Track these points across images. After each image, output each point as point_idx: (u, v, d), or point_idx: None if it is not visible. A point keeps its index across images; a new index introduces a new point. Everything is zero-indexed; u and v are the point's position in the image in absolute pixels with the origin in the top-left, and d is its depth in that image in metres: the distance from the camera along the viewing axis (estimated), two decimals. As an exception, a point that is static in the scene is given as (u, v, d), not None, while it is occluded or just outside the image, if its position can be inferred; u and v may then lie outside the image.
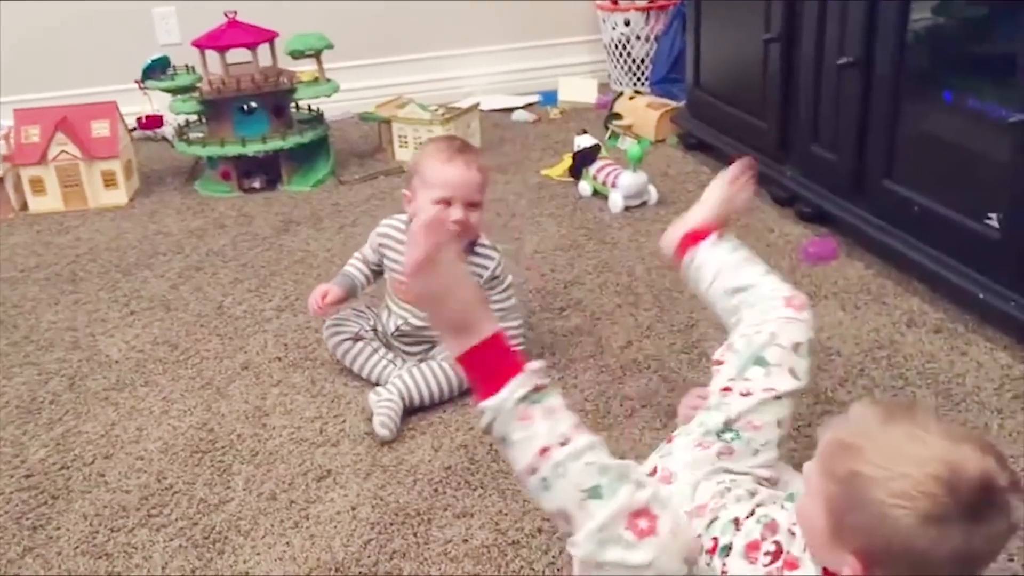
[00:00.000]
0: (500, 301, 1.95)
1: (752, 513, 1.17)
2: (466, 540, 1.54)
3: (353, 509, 1.63)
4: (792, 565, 1.08)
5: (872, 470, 0.96)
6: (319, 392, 1.98)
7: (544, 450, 1.04)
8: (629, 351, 2.06)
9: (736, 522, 1.16)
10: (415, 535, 1.56)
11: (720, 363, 1.39)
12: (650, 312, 2.22)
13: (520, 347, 1.96)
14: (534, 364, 1.07)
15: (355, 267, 2.05)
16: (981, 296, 1.97)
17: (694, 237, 1.59)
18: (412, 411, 1.86)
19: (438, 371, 1.88)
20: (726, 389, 1.33)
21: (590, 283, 2.38)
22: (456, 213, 1.83)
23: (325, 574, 1.48)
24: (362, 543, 1.54)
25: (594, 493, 1.02)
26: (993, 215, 1.96)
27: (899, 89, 2.21)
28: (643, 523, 1.02)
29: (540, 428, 1.04)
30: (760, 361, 1.33)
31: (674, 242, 1.62)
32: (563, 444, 1.04)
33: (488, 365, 1.06)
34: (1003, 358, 1.92)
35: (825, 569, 1.05)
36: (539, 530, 1.55)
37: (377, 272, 2.05)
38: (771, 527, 1.13)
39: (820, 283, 2.29)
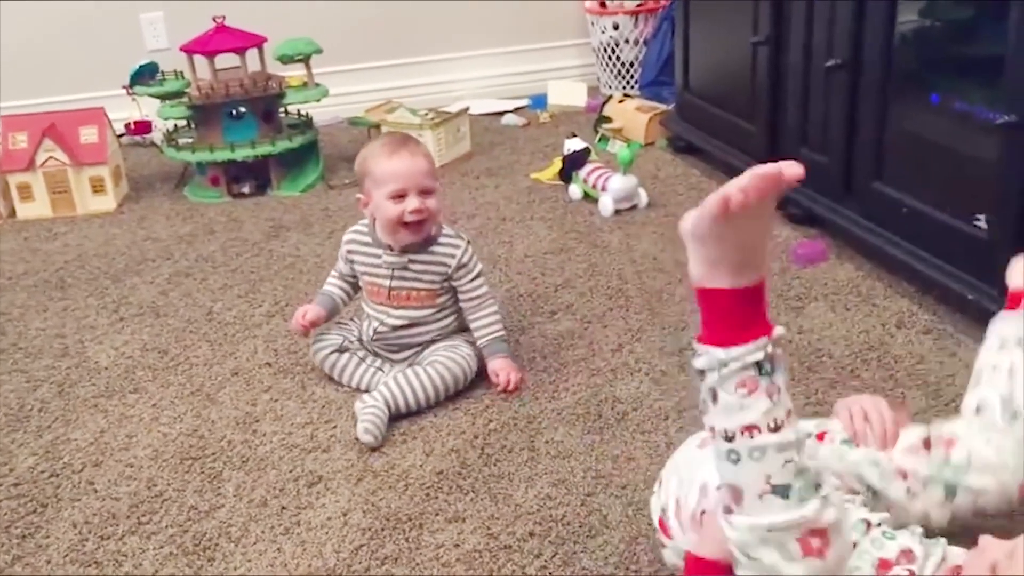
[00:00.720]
0: (471, 290, 1.96)
1: (871, 525, 1.16)
2: (458, 545, 1.53)
3: (344, 515, 1.62)
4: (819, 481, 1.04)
5: None
6: (309, 398, 1.98)
7: (750, 428, 0.96)
8: (620, 354, 2.06)
9: (867, 525, 1.16)
10: (407, 540, 1.55)
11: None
12: (640, 315, 2.22)
13: (501, 335, 1.97)
14: (780, 330, 0.97)
15: (333, 284, 2.07)
16: (970, 297, 1.98)
17: None
18: (400, 416, 1.86)
19: (424, 376, 1.88)
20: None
21: (581, 286, 2.38)
22: (413, 203, 1.86)
23: (316, 580, 1.48)
24: (353, 549, 1.54)
25: (781, 491, 0.97)
26: (982, 216, 1.97)
27: (887, 91, 2.22)
28: (815, 543, 0.98)
29: (758, 404, 0.96)
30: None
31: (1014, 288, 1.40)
32: (772, 430, 0.96)
33: (738, 312, 0.95)
34: (992, 359, 1.93)
35: None
36: (531, 534, 1.54)
37: (354, 284, 2.06)
38: (907, 555, 1.12)
39: (810, 285, 2.29)
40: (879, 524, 1.18)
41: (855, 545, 1.13)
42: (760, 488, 0.97)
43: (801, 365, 1.96)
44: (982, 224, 1.96)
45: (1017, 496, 1.23)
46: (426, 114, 3.42)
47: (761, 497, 0.97)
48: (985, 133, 1.91)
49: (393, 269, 1.94)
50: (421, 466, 1.73)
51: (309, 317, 2.00)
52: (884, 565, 1.12)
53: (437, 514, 1.61)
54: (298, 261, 2.66)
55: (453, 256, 1.95)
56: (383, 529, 1.58)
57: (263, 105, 3.16)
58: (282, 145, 3.16)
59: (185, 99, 3.13)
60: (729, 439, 0.97)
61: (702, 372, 0.99)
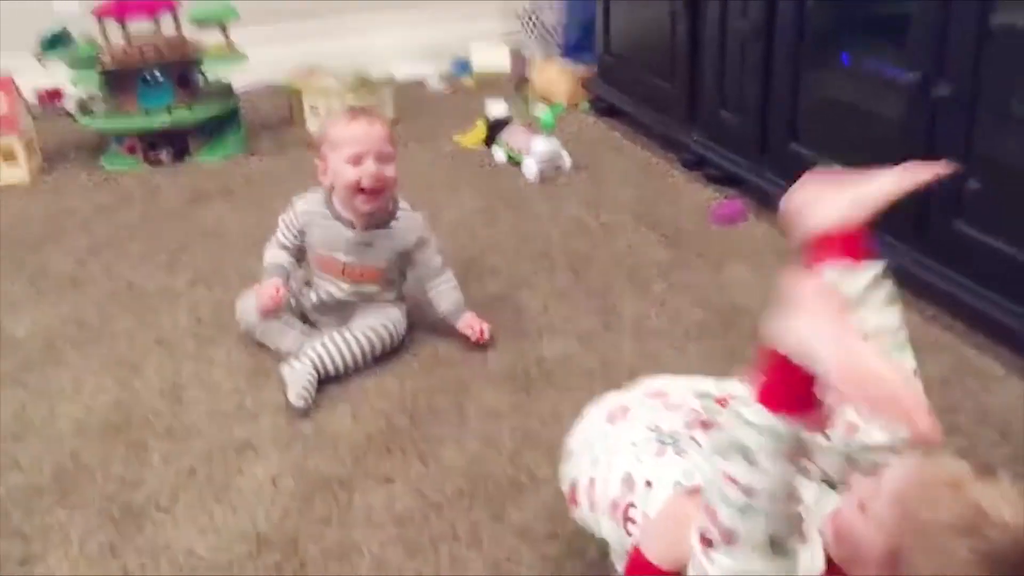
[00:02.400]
0: (429, 260, 1.99)
1: None
2: (388, 505, 1.56)
3: (274, 480, 1.63)
4: (803, 537, 1.12)
5: (955, 519, 0.99)
6: (235, 365, 1.97)
7: (774, 495, 0.99)
8: (546, 315, 2.09)
9: None
10: (337, 502, 1.57)
11: None
12: (565, 276, 2.25)
13: (460, 302, 2.00)
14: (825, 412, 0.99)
15: (279, 256, 1.97)
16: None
17: (845, 244, 1.31)
18: (328, 380, 1.86)
19: (351, 340, 1.89)
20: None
21: (507, 249, 2.41)
22: (371, 167, 1.85)
23: (248, 545, 1.48)
24: (284, 512, 1.55)
25: (777, 547, 1.00)
26: (890, 174, 2.04)
27: (799, 54, 2.28)
28: None
29: (786, 474, 0.98)
30: None
31: (817, 232, 1.33)
32: (789, 498, 1.01)
33: (804, 387, 0.95)
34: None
35: (831, 566, 1.10)
36: (461, 492, 1.57)
37: (299, 255, 2.00)
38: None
39: (729, 244, 2.36)
40: None
41: None
42: (759, 540, 0.99)
43: (720, 321, 2.02)
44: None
45: None
46: (348, 79, 3.38)
47: (755, 547, 0.99)
48: (893, 91, 1.98)
49: (351, 245, 1.93)
50: (350, 429, 1.75)
51: (283, 292, 1.92)
52: None
53: (367, 476, 1.63)
54: (221, 229, 2.62)
55: (413, 231, 1.96)
56: (314, 492, 1.59)
57: (179, 71, 3.09)
58: (200, 111, 3.10)
59: (98, 65, 3.04)
60: (749, 495, 0.98)
61: (750, 431, 0.97)
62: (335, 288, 1.96)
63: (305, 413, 1.79)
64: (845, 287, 1.31)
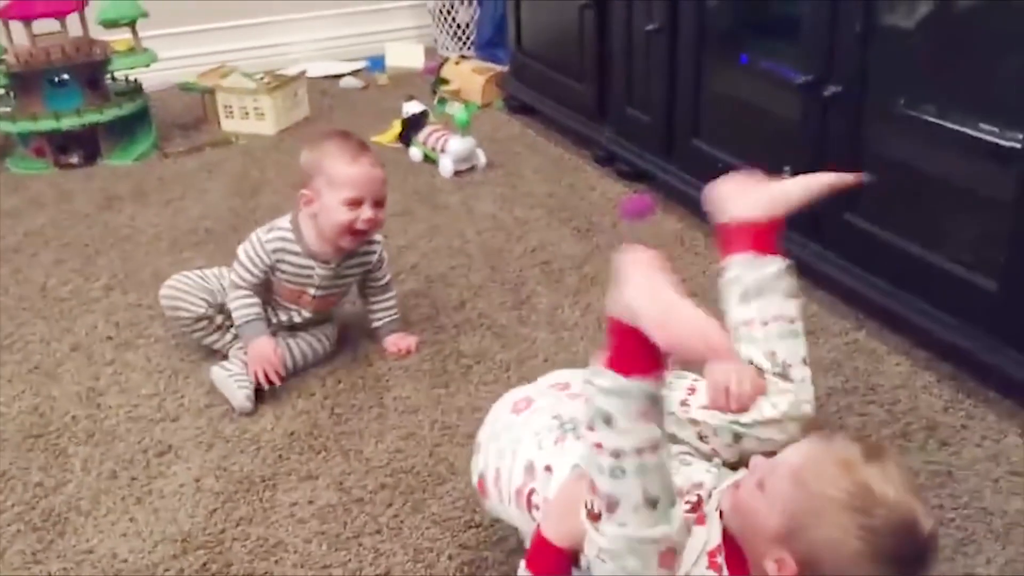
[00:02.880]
0: (380, 279, 2.00)
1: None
2: (311, 501, 1.59)
3: (197, 481, 1.65)
4: (702, 521, 1.21)
5: (844, 496, 1.08)
6: (155, 369, 1.97)
7: (640, 450, 1.05)
8: (463, 311, 2.15)
9: None
10: (261, 501, 1.60)
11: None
12: (482, 272, 2.31)
13: (397, 316, 2.03)
14: (671, 369, 1.07)
15: (254, 305, 1.87)
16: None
17: (756, 237, 1.43)
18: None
19: (295, 349, 1.92)
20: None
21: (423, 247, 2.45)
22: (368, 212, 1.82)
23: (172, 546, 1.51)
24: (208, 513, 1.57)
25: (652, 503, 1.07)
26: (787, 169, 2.14)
27: (702, 53, 2.37)
28: (670, 557, 1.11)
29: (648, 430, 1.06)
30: None
31: (732, 222, 1.47)
32: (655, 451, 1.06)
33: (645, 350, 1.03)
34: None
35: (726, 536, 1.19)
36: (382, 486, 1.62)
37: (263, 287, 1.91)
38: (697, 485, 1.26)
39: (639, 237, 2.44)
40: (677, 454, 1.31)
41: None
42: (636, 500, 1.07)
43: (631, 313, 2.10)
44: (788, 176, 2.14)
45: (800, 437, 1.39)
46: (262, 78, 3.38)
47: (635, 509, 1.07)
48: (788, 91, 2.08)
49: (323, 280, 1.91)
50: (272, 429, 1.77)
51: (280, 352, 1.86)
52: (676, 493, 1.25)
53: (290, 474, 1.66)
54: (135, 233, 2.61)
55: (374, 253, 1.96)
56: (237, 492, 1.62)
57: (88, 72, 3.05)
58: (111, 113, 3.07)
59: (1, 66, 2.98)
60: (617, 456, 1.06)
61: (601, 392, 1.05)
62: (295, 315, 1.95)
63: (224, 415, 1.80)
64: (747, 276, 1.42)
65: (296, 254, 1.87)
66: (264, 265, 1.87)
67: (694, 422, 1.37)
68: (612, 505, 1.08)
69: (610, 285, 1.06)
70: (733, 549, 1.19)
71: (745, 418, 1.34)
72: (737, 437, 1.35)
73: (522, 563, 1.23)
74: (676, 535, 1.11)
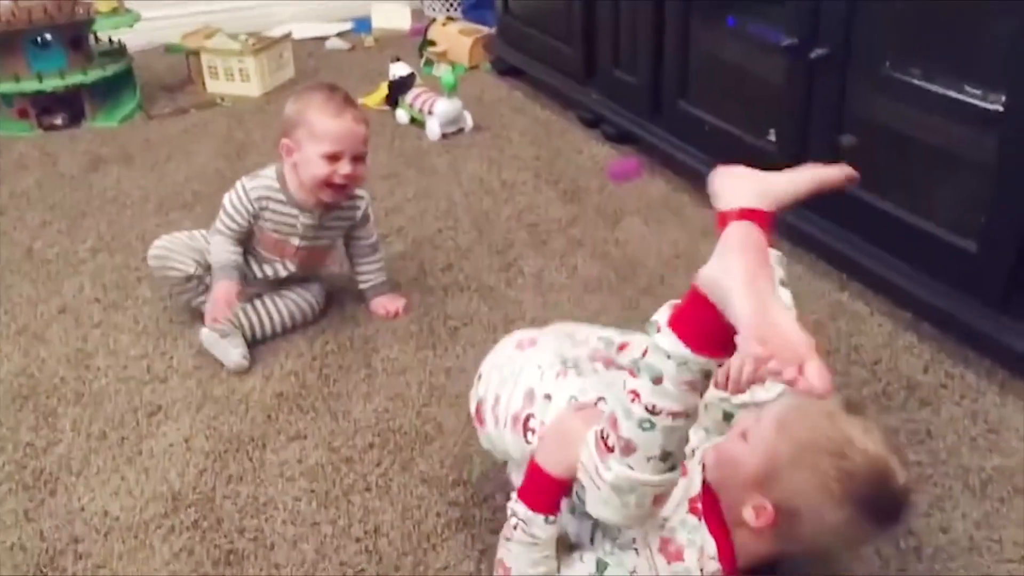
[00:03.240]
0: (366, 237, 2.00)
1: None
2: (300, 460, 1.61)
3: (187, 441, 1.66)
4: (684, 472, 1.23)
5: (825, 442, 1.13)
6: (143, 331, 1.98)
7: (676, 414, 1.06)
8: (450, 273, 2.16)
9: None
10: (251, 460, 1.62)
11: None
12: (469, 235, 2.32)
13: (385, 278, 2.03)
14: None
15: (232, 253, 1.88)
16: (764, 206, 2.17)
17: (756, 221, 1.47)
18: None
19: (278, 309, 1.93)
20: None
21: (411, 210, 2.45)
22: (346, 167, 1.81)
23: (163, 503, 1.52)
24: (198, 472, 1.59)
25: (665, 457, 1.09)
26: (772, 131, 2.16)
27: (689, 15, 2.37)
28: (662, 498, 1.15)
29: (691, 399, 1.05)
30: None
31: (735, 207, 1.50)
32: (687, 416, 1.07)
33: (720, 330, 0.99)
34: (784, 261, 2.14)
35: (706, 486, 1.23)
36: (371, 445, 1.64)
37: (246, 236, 1.91)
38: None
39: (625, 200, 2.45)
40: None
41: None
42: (653, 452, 1.09)
43: (617, 275, 2.12)
44: (772, 139, 2.16)
45: None
46: (247, 40, 3.36)
47: (649, 459, 1.10)
48: (772, 54, 2.08)
49: (307, 229, 1.91)
50: (261, 389, 1.79)
51: (237, 301, 1.86)
52: None
53: (279, 433, 1.68)
54: (121, 195, 2.60)
55: (358, 208, 1.96)
56: (226, 451, 1.64)
57: (71, 32, 3.02)
58: (94, 74, 3.04)
59: (-17, 27, 2.95)
60: (653, 412, 1.06)
61: (659, 354, 1.03)
62: (280, 267, 1.95)
63: (213, 376, 1.81)
64: None
65: (280, 202, 1.87)
66: (248, 212, 1.86)
67: None
68: (629, 449, 1.10)
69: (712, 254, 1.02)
70: (711, 501, 1.23)
71: (736, 399, 1.36)
72: (727, 416, 1.38)
73: (513, 495, 1.26)
74: (675, 480, 1.14)
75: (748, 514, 1.17)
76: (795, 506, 1.15)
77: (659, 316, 1.05)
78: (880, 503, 1.14)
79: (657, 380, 1.05)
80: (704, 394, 1.07)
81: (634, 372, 1.07)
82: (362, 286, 2.03)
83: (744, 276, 0.98)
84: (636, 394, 1.07)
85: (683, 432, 1.09)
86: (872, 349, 1.83)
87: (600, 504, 1.14)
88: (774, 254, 1.44)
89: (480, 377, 1.46)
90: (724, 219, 1.47)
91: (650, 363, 1.05)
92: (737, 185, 1.46)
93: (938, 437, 1.60)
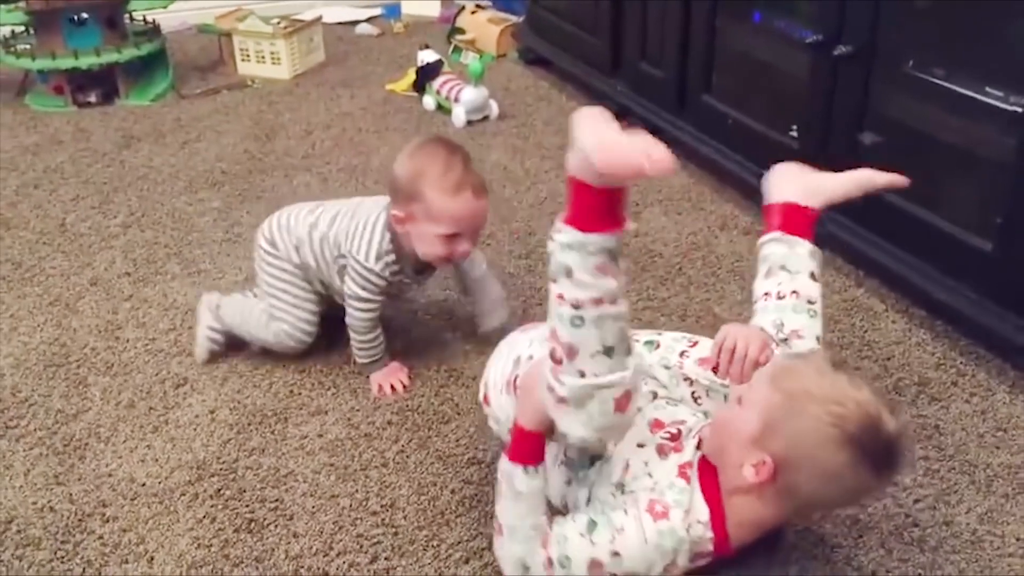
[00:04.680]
0: (490, 293, 1.90)
1: (656, 395, 1.41)
2: (321, 435, 1.66)
3: (211, 412, 1.71)
4: (678, 450, 1.32)
5: (818, 391, 1.19)
6: (171, 305, 2.03)
7: (598, 300, 1.12)
8: (471, 258, 2.19)
9: (654, 395, 1.42)
10: (272, 433, 1.66)
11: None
12: (491, 222, 2.33)
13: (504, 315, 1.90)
14: (632, 225, 1.13)
15: (379, 342, 1.77)
16: (784, 201, 2.19)
17: (786, 218, 1.52)
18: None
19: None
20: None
21: (434, 195, 2.49)
22: (465, 246, 1.67)
23: (187, 472, 1.58)
24: (222, 443, 1.64)
25: (608, 352, 1.15)
26: (794, 127, 2.18)
27: (715, 10, 2.38)
28: (625, 401, 1.19)
29: (607, 283, 1.11)
30: None
31: (779, 201, 1.53)
32: (613, 303, 1.13)
33: (604, 206, 1.09)
34: (801, 256, 2.16)
35: (702, 461, 1.28)
36: (389, 423, 1.68)
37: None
38: (679, 422, 1.36)
39: (646, 191, 2.48)
40: (666, 398, 1.41)
41: (639, 410, 1.34)
42: (594, 348, 1.15)
43: (636, 265, 2.15)
44: (794, 134, 2.17)
45: None
46: (278, 23, 3.40)
47: (593, 356, 1.15)
48: (797, 51, 2.10)
49: (417, 287, 1.87)
50: (285, 365, 1.83)
51: (403, 371, 1.80)
52: (657, 424, 1.36)
53: (301, 408, 1.72)
54: (152, 172, 2.65)
55: (480, 266, 1.90)
56: (249, 424, 1.68)
57: (107, 11, 3.07)
58: (128, 53, 3.10)
59: (22, 3, 3.01)
60: (576, 307, 1.13)
61: (561, 246, 1.12)
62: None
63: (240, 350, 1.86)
64: (775, 253, 1.48)
65: (396, 274, 1.73)
66: (383, 288, 1.73)
67: (688, 380, 1.43)
68: (572, 352, 1.15)
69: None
70: (707, 472, 1.28)
71: (739, 386, 1.39)
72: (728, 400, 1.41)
73: (503, 456, 1.31)
74: (631, 379, 1.18)
75: (748, 471, 1.21)
76: (793, 455, 1.19)
77: (555, 224, 1.13)
78: (875, 447, 1.18)
79: (569, 274, 1.12)
80: (617, 278, 1.13)
81: (553, 278, 1.15)
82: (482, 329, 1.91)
83: (583, 130, 1.09)
84: (560, 296, 1.14)
85: (615, 322, 1.14)
86: (885, 345, 1.85)
87: (569, 423, 1.19)
88: (809, 247, 1.49)
89: (488, 366, 1.53)
90: (768, 212, 1.53)
91: (558, 260, 1.13)
92: (787, 181, 1.54)
93: (946, 433, 1.63)
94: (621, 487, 1.30)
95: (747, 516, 1.26)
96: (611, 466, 1.33)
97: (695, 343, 1.47)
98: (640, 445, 1.33)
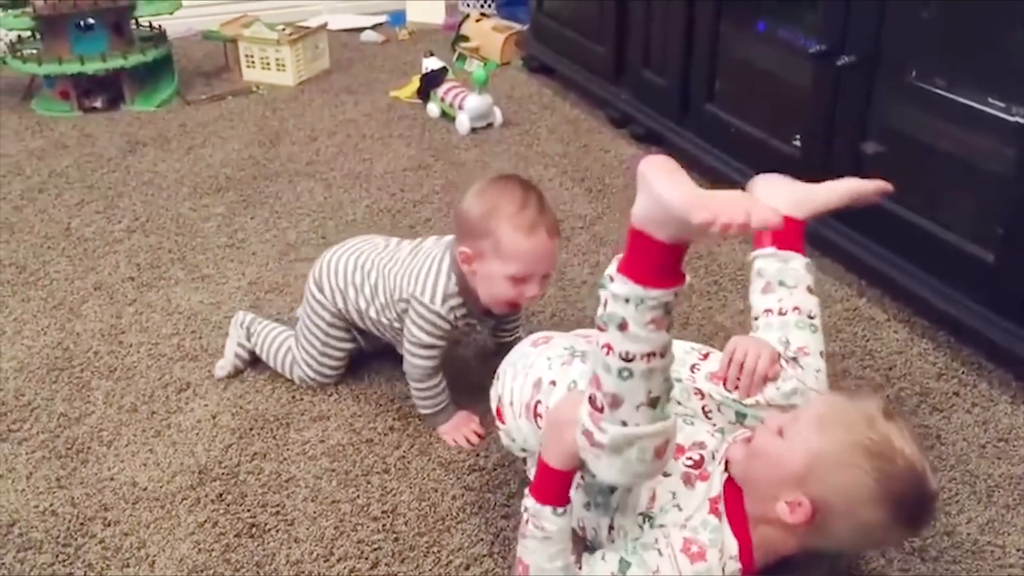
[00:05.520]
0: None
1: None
2: (323, 440, 1.66)
3: (214, 417, 1.72)
4: (704, 477, 1.30)
5: (870, 445, 1.17)
6: (175, 310, 2.04)
7: (650, 355, 1.08)
8: (474, 265, 2.19)
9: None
10: (274, 438, 1.67)
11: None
12: (494, 228, 2.35)
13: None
14: (688, 279, 1.09)
15: (442, 388, 1.69)
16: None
17: (789, 229, 1.50)
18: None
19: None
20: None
21: (438, 202, 2.50)
22: (535, 290, 1.57)
23: (189, 476, 1.58)
24: (224, 447, 1.64)
25: (654, 403, 1.12)
26: (797, 137, 2.18)
27: (719, 19, 2.39)
28: (664, 448, 1.15)
29: (660, 337, 1.08)
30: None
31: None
32: (662, 356, 1.09)
33: (667, 261, 1.05)
34: (804, 265, 2.16)
35: (728, 484, 1.27)
36: (391, 428, 1.68)
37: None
38: (699, 445, 1.33)
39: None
40: (681, 414, 1.38)
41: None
42: (639, 400, 1.11)
43: (638, 273, 2.14)
44: (797, 143, 2.18)
45: None
46: (283, 29, 3.41)
47: (637, 408, 1.12)
48: (801, 60, 2.11)
49: (480, 329, 1.81)
50: (287, 371, 1.84)
51: (475, 420, 1.71)
52: (678, 450, 1.33)
53: (303, 414, 1.73)
54: (156, 178, 2.66)
55: (520, 322, 1.86)
56: (252, 429, 1.69)
57: (113, 17, 3.09)
58: (134, 58, 3.11)
59: (29, 9, 3.02)
60: (627, 360, 1.09)
61: (616, 300, 1.07)
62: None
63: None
64: (769, 269, 1.48)
65: (464, 316, 1.65)
66: (448, 332, 1.65)
67: (700, 394, 1.42)
68: (616, 403, 1.12)
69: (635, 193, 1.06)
70: (732, 497, 1.26)
71: (747, 400, 1.39)
72: (741, 416, 1.41)
73: (527, 491, 1.29)
74: (673, 427, 1.16)
75: (782, 509, 1.20)
76: (832, 503, 1.18)
77: (609, 270, 1.08)
78: (914, 505, 1.18)
79: (623, 327, 1.07)
80: (669, 327, 1.08)
81: (602, 327, 1.10)
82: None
83: (662, 181, 1.02)
84: (608, 347, 1.10)
85: (663, 374, 1.11)
86: (887, 355, 1.85)
87: (605, 468, 1.16)
88: (803, 261, 1.49)
89: (498, 377, 1.51)
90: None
91: (612, 312, 1.08)
92: (774, 191, 1.53)
93: (948, 443, 1.63)
94: (649, 519, 1.28)
95: (771, 546, 1.25)
96: (635, 495, 1.30)
97: (706, 355, 1.47)
98: (666, 474, 1.30)
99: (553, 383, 1.37)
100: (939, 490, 1.20)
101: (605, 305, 1.09)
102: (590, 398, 1.15)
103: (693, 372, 1.44)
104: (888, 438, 1.18)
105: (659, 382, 1.11)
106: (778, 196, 1.53)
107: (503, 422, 1.47)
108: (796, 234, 1.51)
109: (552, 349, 1.44)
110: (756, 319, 1.49)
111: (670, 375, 1.13)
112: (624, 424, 1.12)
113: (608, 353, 1.10)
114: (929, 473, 1.19)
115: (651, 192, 1.02)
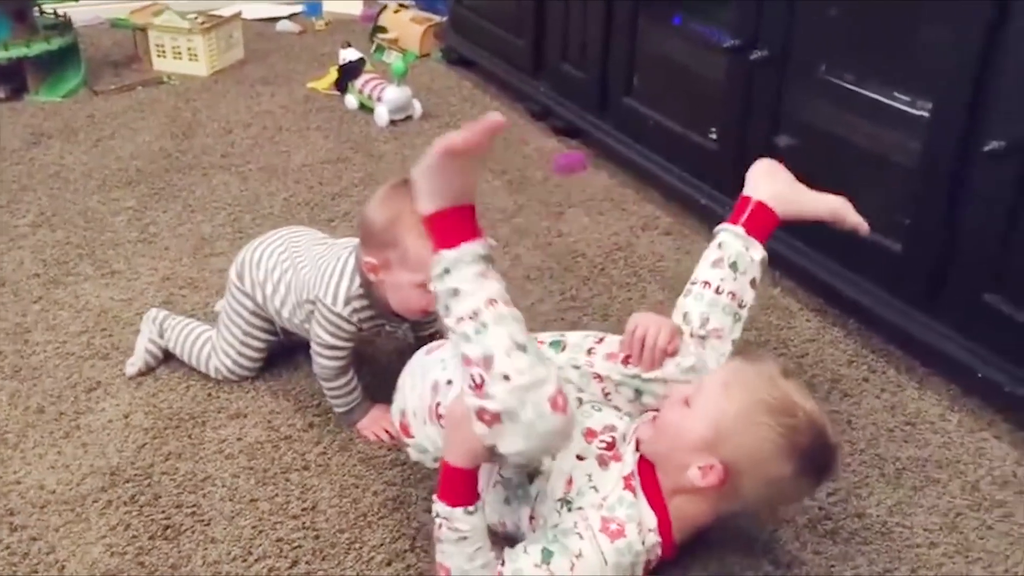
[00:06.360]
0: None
1: (581, 402, 1.42)
2: (240, 438, 1.63)
3: (126, 417, 1.67)
4: (618, 458, 1.33)
5: (772, 401, 1.23)
6: (84, 307, 1.97)
7: (491, 300, 1.18)
8: (394, 258, 2.18)
9: (579, 401, 1.42)
10: (190, 437, 1.63)
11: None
12: (414, 221, 2.34)
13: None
14: (490, 239, 1.22)
15: (353, 387, 1.66)
16: (703, 202, 2.23)
17: (753, 218, 1.55)
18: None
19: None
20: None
21: (357, 195, 2.47)
22: None
23: (100, 479, 1.53)
24: (136, 448, 1.60)
25: (522, 347, 1.16)
26: (714, 130, 2.22)
27: (636, 12, 2.41)
28: (560, 400, 1.16)
29: (492, 284, 1.19)
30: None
31: (754, 197, 1.57)
32: (505, 302, 1.19)
33: (459, 223, 1.19)
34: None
35: (641, 462, 1.30)
36: (310, 425, 1.66)
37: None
38: (609, 428, 1.37)
39: (569, 192, 2.50)
40: (588, 401, 1.42)
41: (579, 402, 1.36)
42: (507, 345, 1.15)
43: (559, 265, 2.16)
44: (714, 136, 2.22)
45: None
46: (195, 18, 3.33)
47: (509, 353, 1.15)
48: (715, 54, 2.14)
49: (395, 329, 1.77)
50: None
51: (388, 419, 1.61)
52: (590, 433, 1.36)
53: (219, 412, 1.69)
54: (63, 170, 2.57)
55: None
56: (166, 428, 1.65)
57: (15, 4, 2.97)
58: (38, 47, 3.00)
59: (-77, -5, 2.90)
60: (475, 316, 1.17)
61: (443, 275, 1.19)
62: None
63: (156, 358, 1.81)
64: (731, 247, 1.52)
65: (371, 318, 1.62)
66: (353, 333, 1.62)
67: (598, 377, 1.44)
68: (488, 361, 1.15)
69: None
70: (646, 473, 1.30)
71: (647, 374, 1.42)
72: (638, 393, 1.44)
73: (434, 497, 1.28)
74: (554, 374, 1.17)
75: (694, 474, 1.24)
76: (742, 463, 1.23)
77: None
78: (818, 456, 1.24)
79: (456, 294, 1.18)
80: (498, 279, 1.20)
81: (445, 313, 1.21)
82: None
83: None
84: (458, 320, 1.19)
85: (517, 324, 1.18)
86: (800, 343, 1.90)
87: (511, 442, 1.16)
88: (762, 254, 1.54)
89: (398, 389, 1.49)
90: (740, 203, 1.57)
91: (442, 291, 1.20)
92: (767, 181, 1.57)
93: (858, 427, 1.67)
94: (567, 503, 1.29)
95: (688, 515, 1.28)
96: (552, 481, 1.31)
97: (601, 339, 1.48)
98: (580, 457, 1.33)
99: (450, 382, 1.35)
100: (839, 443, 1.28)
101: (438, 295, 1.21)
102: (469, 381, 1.18)
103: (590, 355, 1.46)
104: (788, 395, 1.24)
105: (517, 330, 1.17)
106: (772, 186, 1.58)
107: (410, 436, 1.43)
108: (767, 226, 1.56)
109: (446, 351, 1.42)
110: (693, 284, 1.53)
111: (526, 331, 1.19)
112: (507, 378, 1.14)
113: (460, 325, 1.18)
114: (828, 426, 1.25)
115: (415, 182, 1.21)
